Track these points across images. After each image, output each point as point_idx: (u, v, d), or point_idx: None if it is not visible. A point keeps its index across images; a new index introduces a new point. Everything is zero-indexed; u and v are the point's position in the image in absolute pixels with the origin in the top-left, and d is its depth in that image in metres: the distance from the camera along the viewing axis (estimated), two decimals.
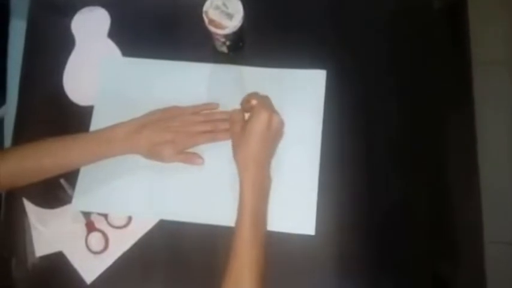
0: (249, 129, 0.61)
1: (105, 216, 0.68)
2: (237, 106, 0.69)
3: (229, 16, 0.63)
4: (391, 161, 0.70)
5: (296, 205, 0.67)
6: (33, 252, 0.68)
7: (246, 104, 0.65)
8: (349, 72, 0.72)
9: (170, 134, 0.65)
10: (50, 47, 0.76)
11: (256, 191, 0.61)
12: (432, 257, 0.67)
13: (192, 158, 0.67)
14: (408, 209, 0.68)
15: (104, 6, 0.76)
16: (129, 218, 0.68)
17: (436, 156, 0.70)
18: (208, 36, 0.68)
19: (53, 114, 0.73)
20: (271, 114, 0.61)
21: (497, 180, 1.21)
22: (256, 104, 0.63)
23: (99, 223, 0.68)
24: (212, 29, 0.64)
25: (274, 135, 0.63)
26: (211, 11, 0.63)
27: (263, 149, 0.62)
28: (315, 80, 0.71)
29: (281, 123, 0.63)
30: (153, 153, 0.66)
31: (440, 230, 0.67)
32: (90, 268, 0.67)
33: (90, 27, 0.76)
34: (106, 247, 0.67)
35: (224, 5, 0.64)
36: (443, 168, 0.69)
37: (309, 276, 0.66)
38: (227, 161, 0.66)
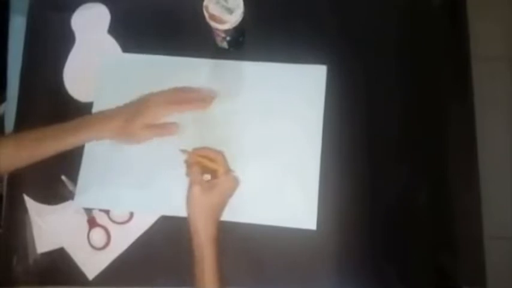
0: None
1: (107, 212, 0.68)
2: (237, 101, 0.70)
3: (230, 11, 0.63)
4: (391, 155, 0.70)
5: (297, 200, 0.67)
6: (34, 249, 0.68)
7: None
8: (349, 67, 0.72)
9: (139, 111, 0.65)
10: (50, 43, 0.76)
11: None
12: (433, 250, 0.67)
13: (166, 128, 0.67)
14: (409, 204, 0.69)
15: (103, 2, 0.76)
16: (131, 214, 0.68)
17: (436, 151, 0.70)
18: (208, 32, 0.68)
19: (53, 111, 0.73)
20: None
21: (496, 175, 1.21)
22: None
23: (101, 219, 0.68)
24: (212, 24, 0.64)
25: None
26: (211, 6, 0.63)
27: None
28: (316, 75, 0.71)
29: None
30: (123, 134, 0.65)
31: (441, 224, 0.68)
32: (92, 264, 0.67)
33: (90, 24, 0.76)
34: (108, 243, 0.67)
35: None
36: (443, 163, 0.69)
37: (311, 271, 0.66)
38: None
